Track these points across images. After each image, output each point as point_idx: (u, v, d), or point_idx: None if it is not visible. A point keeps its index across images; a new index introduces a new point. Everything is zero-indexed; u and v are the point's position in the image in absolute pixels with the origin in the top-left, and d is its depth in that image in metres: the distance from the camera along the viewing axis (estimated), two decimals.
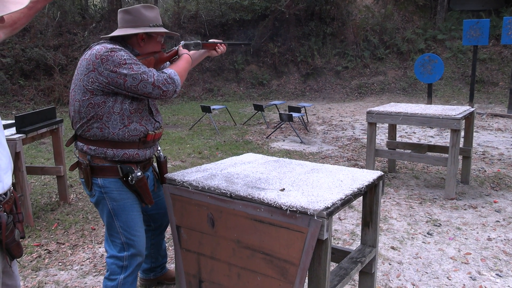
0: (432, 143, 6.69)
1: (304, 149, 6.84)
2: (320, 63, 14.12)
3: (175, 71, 2.33)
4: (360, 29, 14.20)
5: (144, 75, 2.17)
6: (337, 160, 6.09)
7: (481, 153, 6.33)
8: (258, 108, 8.70)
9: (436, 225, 3.76)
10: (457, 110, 4.45)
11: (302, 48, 14.10)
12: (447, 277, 2.89)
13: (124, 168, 2.24)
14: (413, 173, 5.31)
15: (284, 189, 2.13)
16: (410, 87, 12.98)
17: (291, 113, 7.57)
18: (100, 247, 3.47)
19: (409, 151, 5.11)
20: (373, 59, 13.99)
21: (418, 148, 5.07)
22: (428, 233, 3.59)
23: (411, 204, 4.28)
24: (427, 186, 4.87)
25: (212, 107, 8.49)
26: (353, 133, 7.96)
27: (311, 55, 14.07)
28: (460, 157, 4.98)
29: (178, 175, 2.35)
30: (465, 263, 3.08)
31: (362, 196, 2.45)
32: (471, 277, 2.89)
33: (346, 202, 2.05)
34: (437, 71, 9.12)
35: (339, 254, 2.53)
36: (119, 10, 2.37)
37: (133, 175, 2.24)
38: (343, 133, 7.99)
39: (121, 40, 2.33)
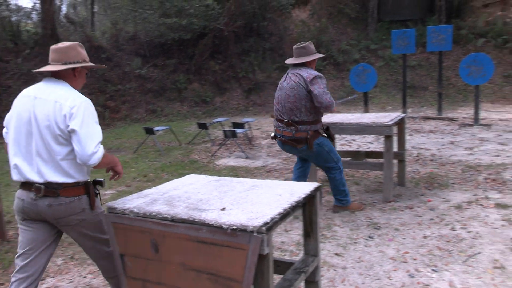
0: (369, 149, 7.02)
1: (249, 164, 6.94)
2: (261, 78, 14.40)
3: None
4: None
5: None
6: (281, 172, 6.23)
7: (415, 155, 6.71)
8: (202, 126, 8.74)
9: (376, 228, 3.95)
10: (388, 117, 4.71)
11: (243, 64, 14.33)
12: (388, 277, 3.05)
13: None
14: (354, 180, 5.54)
15: (224, 208, 2.20)
16: (349, 96, 13.49)
17: (234, 129, 7.67)
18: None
19: (348, 158, 5.34)
20: None
21: (356, 155, 5.31)
22: (369, 237, 3.77)
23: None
24: (367, 191, 5.11)
25: (155, 128, 8.43)
26: None
27: (252, 71, 14.32)
28: (395, 161, 5.25)
29: (119, 203, 2.36)
30: (404, 262, 3.27)
31: (302, 208, 2.56)
32: (409, 275, 3.07)
33: (285, 216, 2.15)
34: (371, 80, 9.59)
35: (284, 266, 2.62)
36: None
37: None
38: None
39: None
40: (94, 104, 2.48)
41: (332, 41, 14.97)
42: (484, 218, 4.04)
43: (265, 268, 1.98)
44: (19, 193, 2.40)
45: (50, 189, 2.31)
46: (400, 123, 5.04)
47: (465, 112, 10.66)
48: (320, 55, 4.24)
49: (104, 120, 12.08)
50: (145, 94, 13.55)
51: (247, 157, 7.36)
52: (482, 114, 10.05)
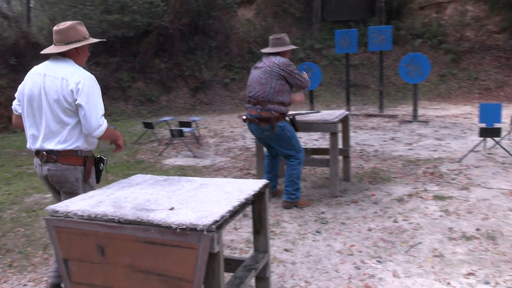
0: (316, 146, 7.17)
1: (197, 163, 6.88)
2: (208, 76, 14.32)
3: None
4: (243, 42, 14.68)
5: None
6: (230, 171, 6.23)
7: (359, 151, 6.93)
8: (148, 126, 8.56)
9: (324, 223, 4.04)
10: (333, 115, 4.83)
11: (189, 62, 14.17)
12: (335, 270, 3.13)
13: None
14: (302, 176, 5.63)
15: (173, 208, 2.16)
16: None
17: (181, 128, 7.57)
18: None
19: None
20: None
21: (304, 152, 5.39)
22: (317, 231, 3.85)
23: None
24: (314, 187, 5.21)
25: None
26: (244, 142, 8.21)
27: (198, 69, 14.20)
28: (341, 157, 5.39)
29: (61, 206, 2.26)
30: (350, 255, 3.37)
31: (251, 205, 2.57)
32: (356, 267, 3.16)
33: (234, 213, 2.15)
34: (316, 78, 9.79)
35: (234, 264, 2.62)
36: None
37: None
38: (235, 143, 8.19)
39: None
40: None
41: None
42: (423, 209, 4.24)
43: (216, 266, 1.97)
44: (34, 160, 2.77)
45: (51, 155, 2.63)
46: (344, 121, 5.19)
47: (405, 109, 11.14)
48: (293, 47, 4.50)
49: None
50: None
51: (194, 156, 7.29)
52: (420, 111, 10.55)
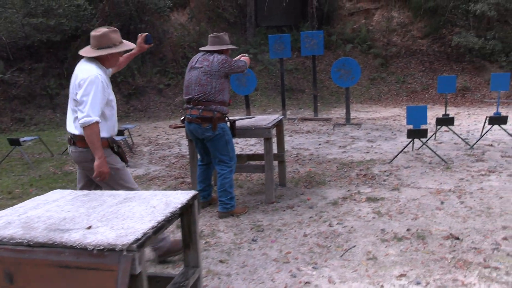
0: (252, 152, 7.12)
1: (130, 172, 6.59)
2: (141, 82, 13.89)
3: None
4: (177, 47, 14.42)
5: None
6: (164, 180, 6.02)
7: (295, 155, 6.96)
8: None
9: (260, 231, 3.97)
10: (267, 120, 4.79)
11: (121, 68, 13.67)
12: (271, 280, 3.06)
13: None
14: (238, 183, 5.55)
15: (91, 226, 1.99)
16: (231, 99, 13.63)
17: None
18: None
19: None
20: None
21: (239, 158, 5.30)
22: (253, 240, 3.77)
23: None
24: (250, 194, 5.14)
25: (21, 139, 7.62)
26: (180, 150, 8.00)
27: (131, 75, 13.74)
28: (276, 163, 5.37)
29: None
30: (287, 263, 3.31)
31: (180, 218, 2.43)
32: (292, 275, 3.11)
33: (159, 229, 2.01)
34: (251, 83, 9.78)
35: (164, 282, 2.47)
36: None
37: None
38: (170, 151, 7.97)
39: None
40: None
41: None
42: (357, 212, 4.30)
43: None
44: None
45: (71, 139, 3.10)
46: (278, 125, 5.17)
47: (338, 113, 11.41)
48: (233, 47, 4.43)
49: None
50: (10, 101, 12.22)
51: (127, 166, 6.97)
52: (353, 114, 10.86)
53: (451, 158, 6.20)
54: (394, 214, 4.19)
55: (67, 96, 11.55)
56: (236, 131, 4.50)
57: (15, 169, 7.32)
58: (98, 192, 2.60)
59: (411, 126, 6.30)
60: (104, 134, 3.05)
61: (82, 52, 3.09)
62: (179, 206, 2.25)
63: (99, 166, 2.97)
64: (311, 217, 4.25)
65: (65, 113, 11.80)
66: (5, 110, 12.04)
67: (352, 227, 3.93)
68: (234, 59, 4.33)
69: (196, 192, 2.46)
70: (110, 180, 3.11)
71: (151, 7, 12.72)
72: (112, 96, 3.16)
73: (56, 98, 12.77)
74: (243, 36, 15.72)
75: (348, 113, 9.60)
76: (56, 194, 2.61)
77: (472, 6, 12.71)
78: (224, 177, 4.29)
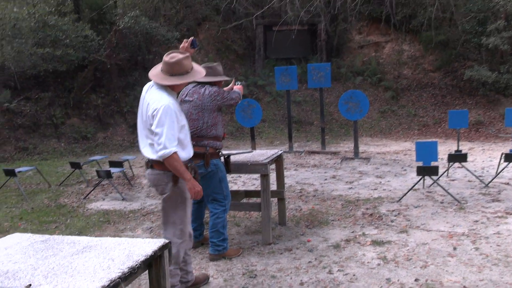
0: (250, 189, 6.76)
1: (125, 207, 6.31)
2: None
3: None
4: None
5: None
6: (158, 215, 5.70)
7: (299, 191, 6.62)
8: (75, 165, 7.89)
9: (252, 277, 3.61)
10: (265, 155, 4.49)
11: (127, 98, 13.60)
12: None
13: None
14: (235, 221, 5.21)
15: (30, 285, 1.67)
16: (238, 131, 13.43)
17: (109, 169, 6.99)
18: None
19: None
20: None
21: (236, 195, 4.99)
22: None
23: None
24: (247, 233, 4.79)
25: (17, 169, 7.41)
26: None
27: (137, 105, 13.59)
28: (275, 200, 5.03)
29: None
30: None
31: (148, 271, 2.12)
32: None
33: None
34: (256, 115, 9.54)
35: None
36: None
37: None
38: None
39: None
40: None
41: None
42: (361, 257, 3.92)
43: None
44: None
45: (150, 162, 3.12)
46: (278, 160, 4.86)
47: (347, 146, 11.08)
48: (226, 78, 4.16)
49: None
50: (15, 130, 12.15)
51: (123, 199, 6.70)
52: (362, 148, 10.52)
53: (464, 197, 5.80)
54: (402, 260, 3.80)
55: (72, 126, 11.36)
56: (231, 167, 4.20)
57: (9, 201, 7.08)
58: (58, 237, 2.30)
59: (420, 163, 5.95)
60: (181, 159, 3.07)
61: (155, 78, 3.06)
62: (142, 259, 1.93)
63: (192, 187, 3.06)
64: (310, 262, 3.88)
65: (69, 143, 11.60)
66: (9, 139, 11.95)
67: (354, 275, 3.55)
68: (226, 89, 4.09)
69: (167, 241, 2.15)
70: (171, 205, 3.13)
71: (159, 39, 12.72)
72: (184, 121, 3.17)
73: (61, 127, 12.68)
74: (251, 67, 15.65)
75: (356, 146, 9.27)
76: (12, 239, 2.32)
77: (484, 40, 12.47)
78: (217, 217, 3.97)
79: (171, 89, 3.10)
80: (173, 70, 3.03)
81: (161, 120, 2.89)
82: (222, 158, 4.07)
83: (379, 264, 3.74)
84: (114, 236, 4.98)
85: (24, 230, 5.48)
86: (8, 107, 12.16)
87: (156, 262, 2.09)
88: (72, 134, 12.67)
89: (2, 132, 11.94)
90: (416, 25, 14.68)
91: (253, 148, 9.98)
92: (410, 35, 15.33)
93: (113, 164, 7.51)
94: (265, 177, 4.27)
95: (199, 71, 3.19)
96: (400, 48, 15.33)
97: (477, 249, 3.99)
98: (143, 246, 2.07)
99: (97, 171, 6.92)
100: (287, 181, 7.28)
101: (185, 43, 3.36)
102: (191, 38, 3.41)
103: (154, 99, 2.97)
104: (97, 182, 7.80)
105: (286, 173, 7.96)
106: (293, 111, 13.54)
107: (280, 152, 4.80)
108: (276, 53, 15.54)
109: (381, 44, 15.65)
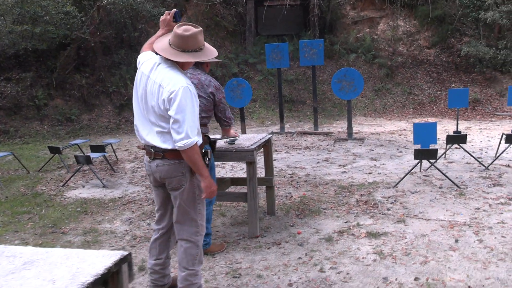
0: (236, 176, 6.39)
1: (105, 194, 5.95)
2: None
3: None
4: None
5: None
6: (140, 204, 5.36)
7: (290, 176, 6.28)
8: (54, 150, 7.49)
9: (236, 277, 3.29)
10: (251, 140, 4.13)
11: (113, 78, 13.09)
12: None
13: None
14: (220, 211, 4.87)
15: None
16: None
17: (89, 154, 6.60)
18: None
19: None
20: None
21: (220, 183, 4.63)
22: None
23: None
24: (233, 224, 4.46)
25: None
26: None
27: (124, 85, 13.15)
28: (263, 188, 4.70)
29: None
30: None
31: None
32: None
33: None
34: (246, 94, 9.13)
35: None
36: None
37: None
38: None
39: None
40: None
41: None
42: (355, 252, 3.60)
43: None
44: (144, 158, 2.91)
45: (160, 152, 2.69)
46: (266, 145, 4.49)
47: (340, 126, 10.72)
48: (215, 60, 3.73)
49: None
50: None
51: (104, 186, 6.33)
52: (356, 128, 10.17)
53: (464, 182, 5.49)
54: (399, 255, 3.49)
55: (56, 107, 10.81)
56: (215, 154, 3.83)
57: None
58: (0, 248, 1.94)
59: (418, 146, 5.61)
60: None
61: (164, 53, 2.61)
62: (91, 280, 1.58)
63: (209, 186, 2.70)
64: (299, 258, 3.56)
65: (52, 125, 11.05)
66: None
67: (348, 273, 3.24)
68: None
69: (126, 253, 1.80)
70: (189, 199, 2.75)
71: (144, 14, 12.15)
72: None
73: (44, 109, 12.18)
74: (242, 45, 15.13)
75: (350, 127, 8.92)
76: None
77: (482, 14, 12.03)
78: None
79: (180, 67, 2.69)
80: (188, 45, 2.60)
81: (181, 104, 2.50)
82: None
83: (375, 260, 3.43)
84: (90, 228, 4.65)
85: None
86: None
87: (112, 279, 1.74)
88: (56, 116, 12.19)
89: None
90: None
91: (243, 129, 9.61)
92: (406, 10, 14.83)
93: (94, 148, 7.11)
94: (251, 165, 3.92)
95: (211, 50, 2.76)
96: (395, 24, 14.85)
97: (480, 241, 3.69)
98: (95, 261, 1.71)
99: (76, 157, 6.53)
100: (278, 164, 6.94)
101: (166, 16, 2.93)
102: (174, 10, 2.96)
103: (168, 79, 2.57)
104: (77, 168, 7.42)
105: (276, 156, 7.61)
106: (285, 90, 13.14)
107: (268, 136, 4.43)
108: (268, 30, 15.00)
109: (376, 19, 15.14)
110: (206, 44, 2.75)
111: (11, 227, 4.91)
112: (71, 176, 6.82)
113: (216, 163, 7.14)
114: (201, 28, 2.69)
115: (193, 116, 2.56)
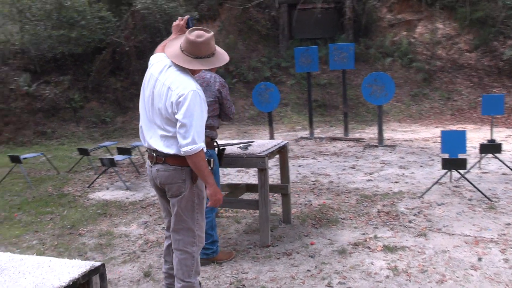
0: (252, 182, 6.24)
1: (127, 197, 5.99)
2: None
3: None
4: None
5: None
6: (159, 208, 5.35)
7: (312, 183, 6.11)
8: (83, 152, 7.65)
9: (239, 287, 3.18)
10: (264, 147, 4.01)
11: None
12: None
13: None
14: (236, 217, 4.78)
15: None
16: (259, 115, 12.93)
17: (113, 157, 6.68)
18: None
19: (225, 193, 4.57)
20: None
21: (235, 189, 4.55)
22: None
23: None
24: (246, 232, 4.36)
25: (22, 156, 7.21)
26: None
27: None
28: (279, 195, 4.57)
29: None
30: None
31: None
32: None
33: None
34: (274, 99, 9.02)
35: None
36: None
37: None
38: None
39: None
40: None
41: (242, 58, 14.41)
42: (368, 266, 3.42)
43: None
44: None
45: (162, 157, 2.62)
46: (282, 152, 4.37)
47: (373, 132, 10.40)
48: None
49: None
50: (34, 114, 12.07)
51: (127, 189, 6.38)
52: (388, 134, 9.85)
53: (497, 194, 5.15)
54: (415, 272, 3.28)
55: (91, 110, 11.13)
56: (224, 160, 3.74)
57: (14, 188, 6.90)
58: None
59: (446, 155, 5.32)
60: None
61: (177, 60, 2.56)
62: None
63: (214, 194, 2.65)
64: (308, 270, 3.41)
65: (88, 127, 11.37)
66: (28, 123, 11.89)
67: None
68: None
69: (98, 264, 1.73)
70: (187, 208, 2.66)
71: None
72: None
73: (80, 111, 12.53)
74: (275, 49, 15.03)
75: (380, 133, 8.63)
76: None
77: None
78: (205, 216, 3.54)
79: (191, 72, 2.65)
80: (201, 51, 2.55)
81: (189, 109, 2.45)
82: (216, 149, 3.63)
83: (387, 276, 3.23)
84: (106, 231, 4.67)
85: (18, 222, 5.25)
86: (28, 91, 12.09)
87: None
88: (91, 118, 12.51)
89: (21, 116, 11.89)
90: (451, 0, 13.66)
91: (271, 134, 9.50)
92: (445, 12, 14.28)
93: (121, 151, 7.20)
94: (263, 172, 3.80)
95: (222, 54, 2.70)
96: (434, 27, 14.33)
97: (506, 260, 3.41)
98: (64, 272, 1.65)
99: (101, 159, 6.61)
100: (302, 170, 6.79)
101: (180, 21, 2.89)
102: (187, 16, 2.93)
103: (178, 83, 2.52)
104: (103, 169, 7.53)
105: (302, 162, 7.45)
106: (317, 94, 12.94)
107: (284, 143, 4.31)
108: (302, 33, 14.83)
109: (413, 22, 14.67)
110: (217, 48, 2.68)
111: (32, 227, 5.01)
112: (96, 178, 6.93)
113: (229, 169, 7.03)
114: (212, 33, 2.63)
115: (201, 122, 2.51)
